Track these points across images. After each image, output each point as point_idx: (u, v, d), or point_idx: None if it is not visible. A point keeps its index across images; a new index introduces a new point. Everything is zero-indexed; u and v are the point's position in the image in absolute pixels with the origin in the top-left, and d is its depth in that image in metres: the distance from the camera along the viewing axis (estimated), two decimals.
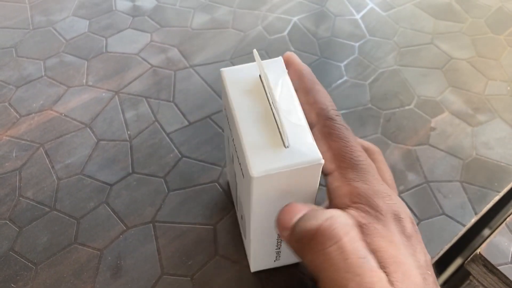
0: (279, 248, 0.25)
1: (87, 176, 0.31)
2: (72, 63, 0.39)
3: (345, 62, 0.39)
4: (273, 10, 0.44)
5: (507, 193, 0.31)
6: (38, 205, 0.30)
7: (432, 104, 0.36)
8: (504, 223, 0.28)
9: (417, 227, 0.21)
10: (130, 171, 0.31)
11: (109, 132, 0.34)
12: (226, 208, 0.30)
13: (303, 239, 0.19)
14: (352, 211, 0.19)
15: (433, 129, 0.34)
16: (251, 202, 0.21)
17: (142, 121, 0.34)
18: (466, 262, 0.28)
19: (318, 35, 0.41)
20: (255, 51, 0.22)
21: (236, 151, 0.22)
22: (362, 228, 0.19)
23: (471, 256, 0.28)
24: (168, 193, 0.30)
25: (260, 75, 0.22)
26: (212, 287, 0.26)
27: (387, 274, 0.18)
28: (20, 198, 0.30)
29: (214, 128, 0.34)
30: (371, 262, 0.18)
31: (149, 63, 0.39)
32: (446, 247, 0.28)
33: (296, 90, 0.23)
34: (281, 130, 0.20)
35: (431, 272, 0.19)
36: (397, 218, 0.20)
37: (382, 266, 0.18)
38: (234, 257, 0.28)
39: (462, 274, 0.29)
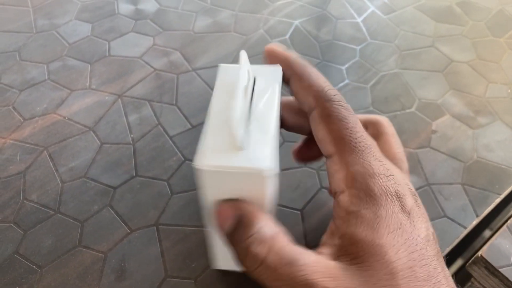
0: None
1: (91, 179, 0.31)
2: (75, 67, 0.39)
3: (346, 65, 0.39)
4: (274, 13, 0.44)
5: (508, 195, 0.31)
6: (43, 208, 0.30)
7: (433, 107, 0.36)
8: (505, 225, 0.29)
9: (420, 200, 0.21)
10: (134, 174, 0.32)
11: (113, 136, 0.34)
12: None
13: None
14: (343, 197, 0.20)
15: (434, 132, 0.35)
16: (203, 197, 0.21)
17: (145, 124, 0.35)
18: (467, 264, 0.28)
19: (319, 38, 0.42)
20: (242, 51, 0.21)
21: None
22: (349, 216, 0.20)
23: (473, 258, 0.28)
24: (171, 196, 0.31)
25: (254, 78, 0.22)
26: None
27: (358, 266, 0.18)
28: (25, 201, 0.30)
29: None
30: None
31: (151, 66, 0.39)
32: (448, 249, 0.28)
33: (289, 79, 0.22)
34: (235, 131, 0.19)
35: (434, 245, 0.20)
36: (397, 197, 0.20)
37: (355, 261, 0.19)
38: None
39: (463, 276, 0.29)
